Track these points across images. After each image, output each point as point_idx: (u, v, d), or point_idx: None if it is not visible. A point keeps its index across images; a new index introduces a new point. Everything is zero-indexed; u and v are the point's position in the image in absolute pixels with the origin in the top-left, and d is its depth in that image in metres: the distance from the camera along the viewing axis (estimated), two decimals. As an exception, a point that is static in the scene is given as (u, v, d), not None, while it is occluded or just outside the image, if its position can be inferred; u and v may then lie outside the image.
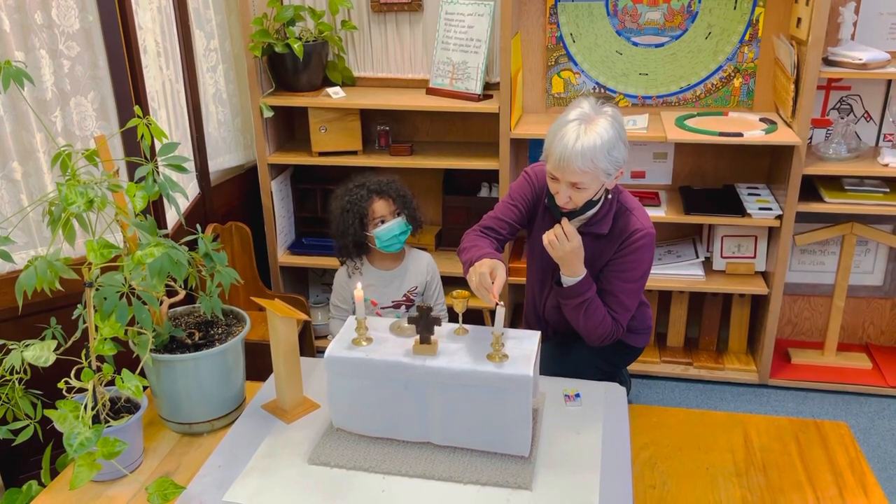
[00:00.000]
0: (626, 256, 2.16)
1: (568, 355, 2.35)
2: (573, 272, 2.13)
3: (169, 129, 2.67)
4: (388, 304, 2.57)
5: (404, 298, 2.58)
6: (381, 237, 2.45)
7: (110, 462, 1.59)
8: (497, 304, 1.71)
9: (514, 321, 3.38)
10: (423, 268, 2.61)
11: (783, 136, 2.74)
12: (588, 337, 2.21)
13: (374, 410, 1.74)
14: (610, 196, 2.17)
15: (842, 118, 2.97)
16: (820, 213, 2.92)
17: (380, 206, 2.45)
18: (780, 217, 2.86)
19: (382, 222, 2.45)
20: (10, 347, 1.64)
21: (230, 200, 3.20)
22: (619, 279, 2.18)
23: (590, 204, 2.12)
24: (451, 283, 2.83)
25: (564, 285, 2.16)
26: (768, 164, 3.10)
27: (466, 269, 2.13)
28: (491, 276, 1.98)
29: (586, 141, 1.95)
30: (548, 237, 2.10)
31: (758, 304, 3.15)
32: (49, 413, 1.56)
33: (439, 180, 3.32)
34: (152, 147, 1.70)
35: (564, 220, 2.10)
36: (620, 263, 2.17)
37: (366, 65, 3.23)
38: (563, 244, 2.08)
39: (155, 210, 2.45)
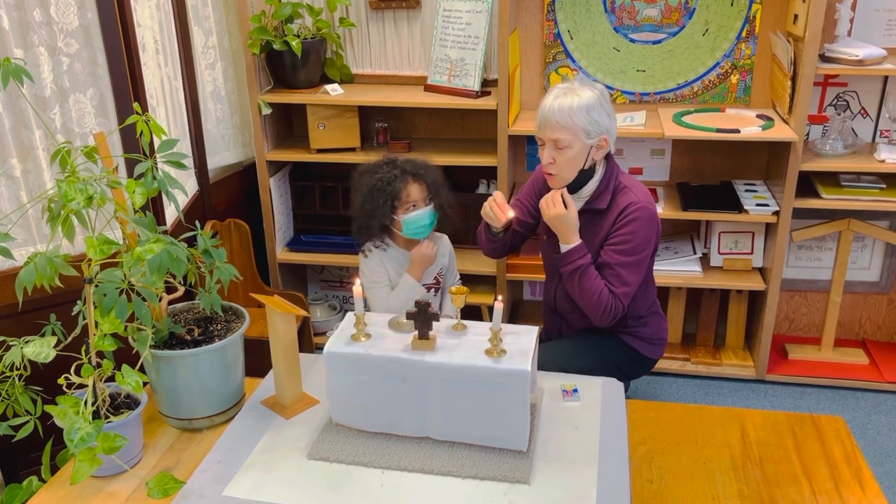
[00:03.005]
0: (622, 229, 2.22)
1: (580, 361, 2.36)
2: (567, 240, 2.23)
3: (168, 126, 2.68)
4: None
5: (435, 282, 2.53)
6: (409, 224, 2.35)
7: (110, 457, 1.60)
8: (496, 298, 1.72)
9: (512, 317, 3.39)
10: (446, 248, 2.56)
11: (780, 132, 2.75)
12: (588, 309, 2.25)
13: (372, 406, 1.75)
14: (607, 174, 2.26)
15: (838, 114, 2.98)
16: (817, 210, 2.93)
17: (414, 191, 2.34)
18: (777, 213, 2.87)
19: (414, 207, 2.35)
20: (10, 344, 1.65)
21: (229, 197, 3.21)
22: (615, 252, 2.23)
23: (584, 178, 2.22)
24: (450, 279, 2.83)
25: (560, 252, 2.25)
26: (765, 160, 3.11)
27: (485, 225, 2.40)
28: (500, 208, 2.27)
29: (565, 100, 2.14)
30: (543, 200, 2.24)
31: (755, 300, 3.16)
32: (49, 409, 1.56)
33: (437, 177, 3.32)
34: (151, 144, 1.71)
35: (564, 190, 2.22)
36: (616, 236, 2.24)
37: (364, 62, 3.24)
38: (549, 208, 2.20)
39: (154, 207, 2.46)
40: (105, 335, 1.61)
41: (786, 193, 2.81)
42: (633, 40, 3.04)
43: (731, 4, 2.92)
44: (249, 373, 2.02)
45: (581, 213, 2.28)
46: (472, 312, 3.18)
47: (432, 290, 2.55)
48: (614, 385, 1.98)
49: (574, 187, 2.25)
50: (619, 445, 1.75)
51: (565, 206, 2.20)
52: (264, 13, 2.95)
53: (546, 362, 2.28)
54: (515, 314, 3.44)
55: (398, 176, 2.33)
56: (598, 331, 2.43)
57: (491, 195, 2.35)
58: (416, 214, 2.36)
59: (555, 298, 2.46)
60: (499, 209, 2.26)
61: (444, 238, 2.59)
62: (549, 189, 2.34)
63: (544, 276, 2.57)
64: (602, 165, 2.27)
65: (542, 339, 2.60)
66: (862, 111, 3.00)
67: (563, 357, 2.36)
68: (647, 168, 3.21)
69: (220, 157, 3.16)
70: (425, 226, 2.38)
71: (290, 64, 3.02)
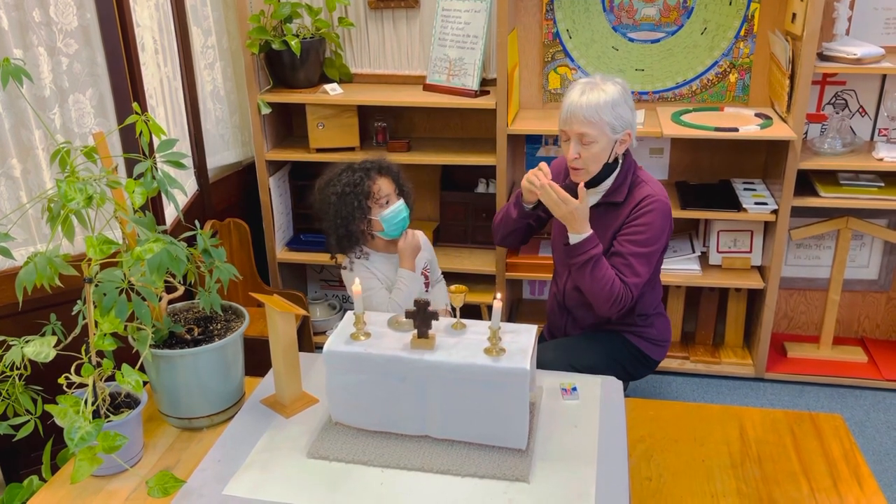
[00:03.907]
0: (637, 219, 2.25)
1: (586, 359, 2.36)
2: (578, 230, 2.21)
3: (167, 126, 2.68)
4: None
5: (424, 278, 2.49)
6: (389, 220, 2.31)
7: (111, 456, 1.60)
8: (495, 297, 1.72)
9: (511, 316, 3.40)
10: (425, 242, 2.52)
11: (778, 131, 2.75)
12: (597, 300, 2.24)
13: (372, 404, 1.75)
14: (626, 167, 2.28)
15: (837, 113, 2.98)
16: (815, 208, 2.93)
17: (385, 185, 2.31)
18: (775, 212, 2.87)
19: (387, 203, 2.31)
20: (11, 343, 1.65)
21: (228, 197, 3.21)
22: (628, 241, 2.25)
23: (606, 172, 2.24)
24: (450, 279, 2.83)
25: (571, 243, 2.23)
26: (764, 158, 3.12)
27: (516, 199, 2.39)
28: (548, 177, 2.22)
29: (591, 96, 2.16)
30: (548, 200, 2.21)
31: (754, 299, 3.17)
32: (49, 408, 1.57)
33: (437, 176, 3.33)
34: (151, 144, 1.71)
35: (581, 186, 2.20)
36: (631, 226, 2.26)
37: (363, 61, 3.24)
38: (559, 207, 2.18)
39: (154, 206, 2.46)
40: (105, 335, 1.61)
41: (784, 192, 2.81)
42: (631, 39, 3.04)
43: (730, 3, 2.92)
44: (249, 372, 2.02)
45: (597, 205, 2.30)
46: (471, 311, 3.18)
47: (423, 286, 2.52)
48: (613, 383, 1.98)
49: (596, 181, 2.27)
50: (618, 443, 1.75)
51: (576, 198, 2.19)
52: (263, 13, 2.95)
53: (552, 359, 2.29)
54: (515, 313, 3.44)
55: (364, 176, 2.29)
56: (604, 330, 2.44)
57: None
58: (393, 210, 2.32)
59: (564, 293, 2.46)
60: (545, 179, 2.21)
61: (420, 232, 2.53)
62: (565, 183, 2.35)
63: (551, 273, 2.58)
64: (621, 159, 2.28)
65: (546, 337, 2.60)
66: (860, 110, 3.00)
67: (569, 354, 2.36)
68: (646, 167, 3.18)
69: (220, 156, 3.16)
70: (404, 218, 2.35)
71: (289, 64, 3.02)
